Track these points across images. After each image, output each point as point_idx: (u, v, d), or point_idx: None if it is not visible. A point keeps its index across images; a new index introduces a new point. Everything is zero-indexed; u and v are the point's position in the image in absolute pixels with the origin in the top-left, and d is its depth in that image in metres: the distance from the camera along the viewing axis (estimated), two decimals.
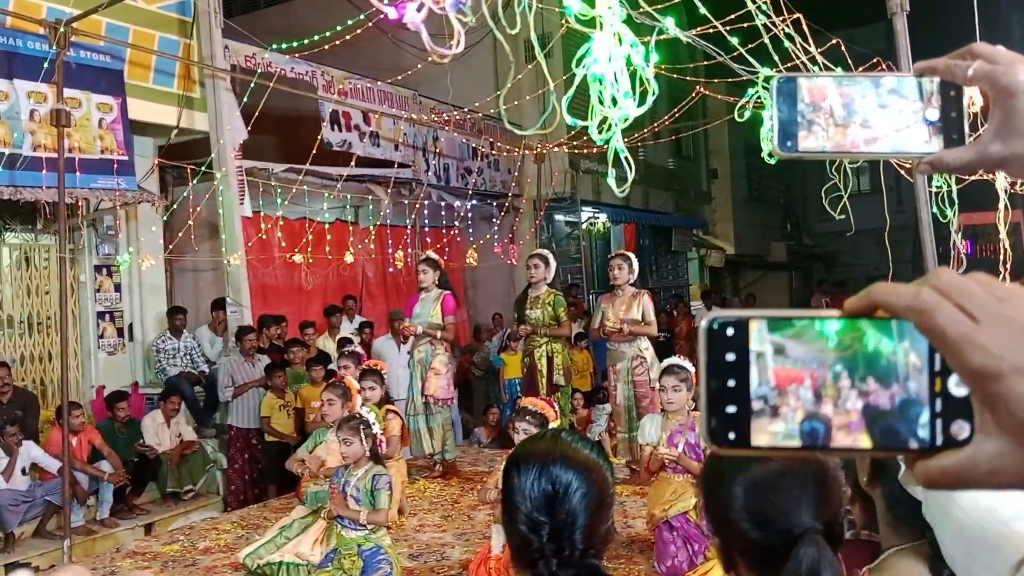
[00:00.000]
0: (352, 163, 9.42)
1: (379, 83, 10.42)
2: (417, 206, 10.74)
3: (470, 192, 11.60)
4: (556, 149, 11.39)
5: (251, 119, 8.26)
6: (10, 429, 6.26)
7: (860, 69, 7.35)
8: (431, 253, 7.65)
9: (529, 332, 7.28)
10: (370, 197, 10.46)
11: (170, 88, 8.20)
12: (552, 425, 5.00)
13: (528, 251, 12.07)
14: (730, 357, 0.52)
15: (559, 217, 14.12)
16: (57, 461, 6.21)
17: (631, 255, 7.15)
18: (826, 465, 1.29)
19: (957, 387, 0.50)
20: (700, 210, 19.86)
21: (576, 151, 11.45)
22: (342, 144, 9.79)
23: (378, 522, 4.27)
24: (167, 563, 5.39)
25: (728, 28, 5.36)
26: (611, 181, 2.93)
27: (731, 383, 0.52)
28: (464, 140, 11.80)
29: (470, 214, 11.65)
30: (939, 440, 0.50)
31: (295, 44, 8.33)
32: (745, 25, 5.65)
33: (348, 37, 7.60)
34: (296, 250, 9.22)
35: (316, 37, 8.01)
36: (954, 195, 6.09)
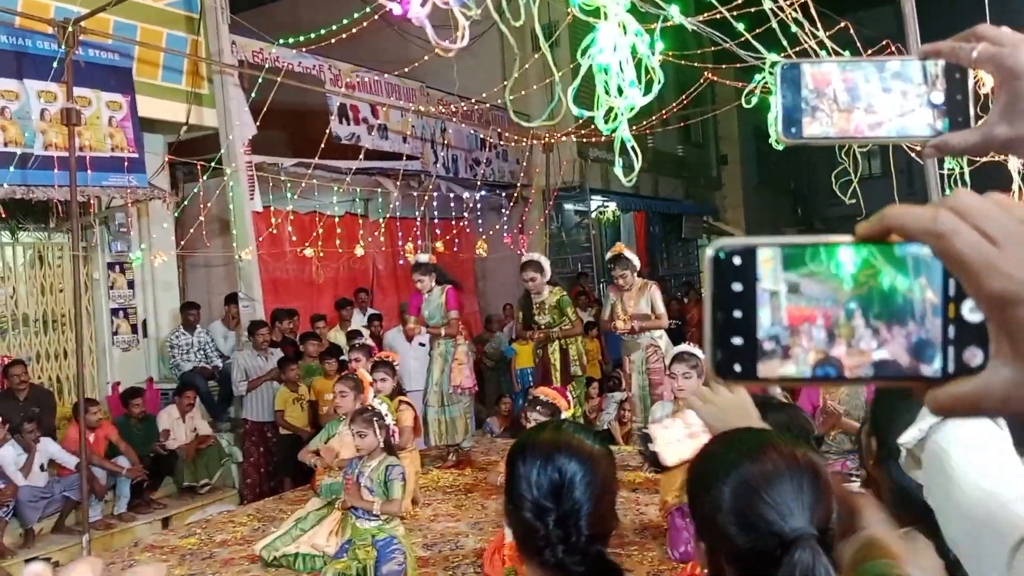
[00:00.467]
0: (361, 156, 9.44)
1: (386, 76, 10.42)
2: (426, 198, 10.75)
3: (479, 183, 11.60)
4: (564, 138, 11.37)
5: (260, 114, 8.29)
6: (28, 426, 6.33)
7: (869, 52, 7.30)
8: (420, 257, 7.60)
9: (542, 338, 7.30)
10: (379, 190, 10.48)
11: (179, 85, 8.23)
12: (564, 415, 5.02)
13: (538, 241, 12.14)
14: (737, 287, 0.51)
15: (568, 206, 14.11)
16: (74, 457, 6.28)
17: (628, 255, 7.06)
18: (819, 465, 1.20)
19: (971, 313, 0.48)
20: (710, 196, 19.79)
21: (584, 140, 11.42)
22: (350, 137, 9.81)
23: (392, 512, 4.30)
24: (185, 556, 5.44)
25: (735, 14, 5.32)
26: (618, 170, 2.93)
27: (737, 314, 0.51)
28: (472, 131, 11.80)
29: (479, 205, 11.65)
30: (951, 368, 0.49)
31: (302, 38, 8.34)
32: (753, 10, 5.62)
33: (354, 30, 7.60)
34: (307, 244, 9.26)
35: (323, 31, 8.02)
36: (966, 177, 6.03)
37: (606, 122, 2.64)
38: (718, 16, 5.41)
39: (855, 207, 6.07)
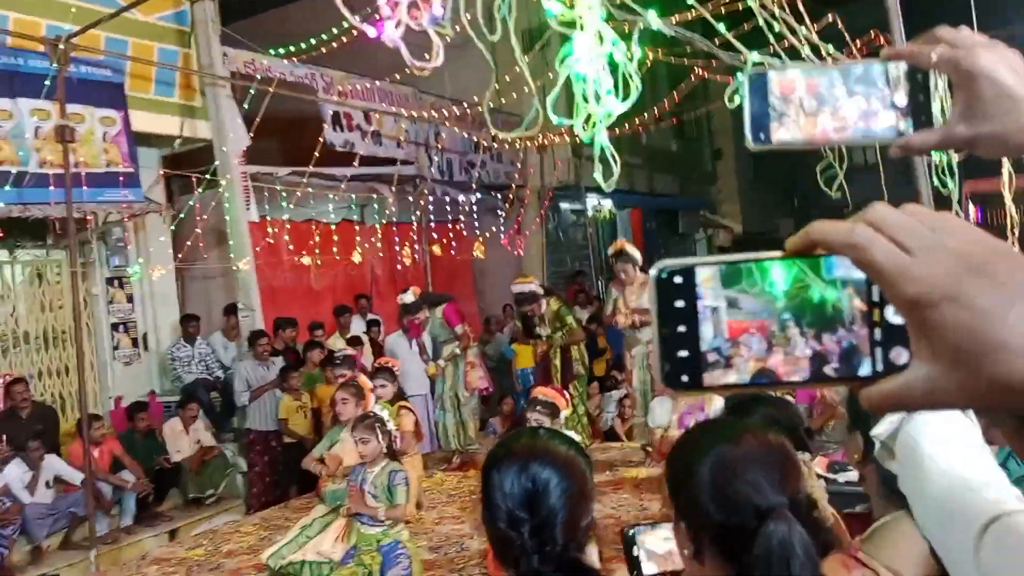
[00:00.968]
0: (355, 163, 9.47)
1: (378, 82, 10.45)
2: (422, 202, 10.78)
3: (474, 185, 11.63)
4: (557, 139, 11.39)
5: (253, 124, 8.32)
6: (32, 444, 6.36)
7: (857, 44, 7.32)
8: (405, 299, 7.74)
9: (547, 350, 7.37)
10: (375, 196, 10.51)
11: (171, 98, 8.26)
12: (564, 414, 5.05)
13: (535, 242, 12.17)
14: (679, 304, 0.54)
15: (564, 205, 14.13)
16: (80, 473, 6.31)
17: (631, 249, 7.13)
18: (788, 448, 1.29)
19: (894, 316, 0.52)
20: (706, 191, 19.80)
21: (578, 139, 11.42)
22: (345, 144, 9.83)
23: (396, 517, 4.34)
24: (192, 567, 5.48)
25: (719, 13, 5.34)
26: (597, 176, 2.96)
27: (681, 328, 0.54)
28: (466, 134, 11.83)
29: (475, 207, 11.68)
30: (880, 367, 0.52)
31: (293, 48, 8.36)
32: (740, 7, 5.63)
33: (344, 39, 7.63)
34: (304, 252, 9.29)
35: (313, 40, 8.04)
36: (954, 166, 6.06)
37: (584, 129, 2.67)
38: (695, 16, 5.41)
39: (846, 199, 6.10)
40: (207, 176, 8.30)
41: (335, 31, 7.77)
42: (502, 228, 11.59)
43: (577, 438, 2.66)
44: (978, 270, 0.48)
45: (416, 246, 10.89)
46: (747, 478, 1.23)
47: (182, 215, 8.49)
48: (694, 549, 1.28)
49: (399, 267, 10.88)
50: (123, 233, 8.27)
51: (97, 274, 8.30)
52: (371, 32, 2.48)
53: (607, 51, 2.37)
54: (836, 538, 1.73)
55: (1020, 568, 0.79)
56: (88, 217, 7.72)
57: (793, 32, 5.09)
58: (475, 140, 11.97)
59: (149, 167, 8.22)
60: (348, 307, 9.59)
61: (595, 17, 2.30)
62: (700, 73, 9.41)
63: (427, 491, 6.51)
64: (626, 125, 9.63)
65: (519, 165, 12.44)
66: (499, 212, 11.90)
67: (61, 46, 6.12)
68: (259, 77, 8.44)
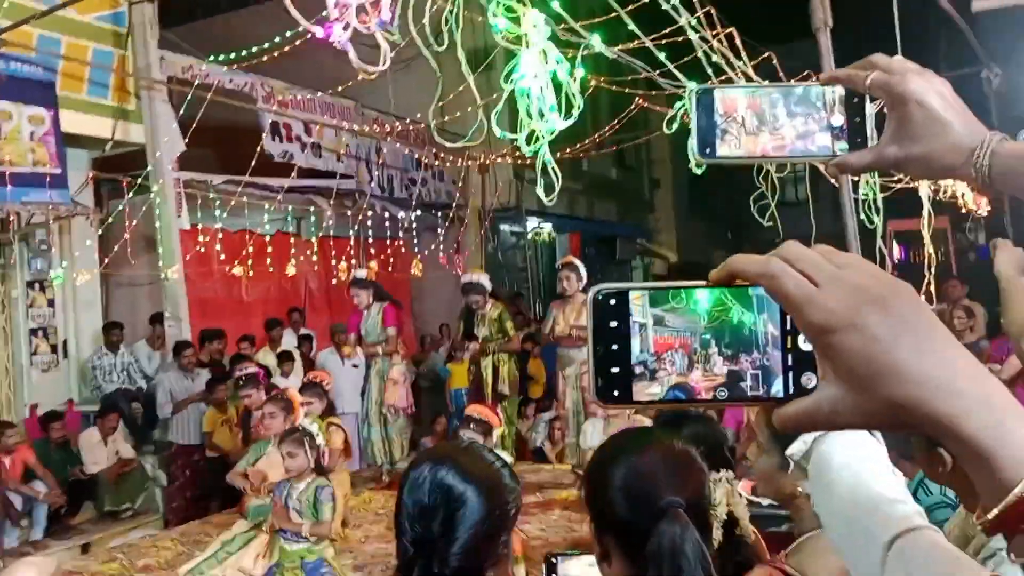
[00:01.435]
0: (293, 174, 9.35)
1: (320, 94, 10.35)
2: (361, 217, 10.69)
3: (414, 203, 11.59)
4: (500, 160, 11.45)
5: (189, 130, 8.15)
6: None
7: (792, 81, 7.57)
8: (358, 273, 7.67)
9: (479, 351, 7.36)
10: (312, 208, 10.39)
11: (105, 100, 8.06)
12: (496, 432, 5.04)
13: (474, 262, 12.17)
14: (613, 324, 0.58)
15: (504, 227, 14.19)
16: None
17: (579, 263, 7.25)
18: (693, 456, 1.36)
19: (804, 343, 0.57)
20: (644, 219, 20.14)
21: (520, 161, 11.53)
22: (283, 155, 9.71)
23: (321, 534, 4.25)
24: None
25: (660, 43, 5.48)
26: (540, 191, 3.01)
27: (614, 347, 0.58)
28: (407, 151, 11.80)
29: (415, 225, 11.62)
30: (791, 390, 0.57)
31: (233, 56, 8.24)
32: (680, 39, 5.79)
33: (287, 49, 7.55)
34: (236, 263, 9.10)
35: (255, 48, 7.94)
36: (879, 202, 6.32)
37: (528, 144, 2.72)
38: (645, 45, 5.55)
39: (778, 231, 6.29)
40: (139, 181, 8.09)
41: (278, 40, 7.69)
42: (441, 247, 11.57)
43: (509, 459, 2.65)
44: (875, 302, 0.53)
45: (353, 261, 10.78)
46: (649, 478, 1.29)
47: (111, 219, 8.25)
48: (602, 551, 1.33)
49: (334, 282, 10.74)
50: (47, 235, 7.98)
51: (17, 276, 7.99)
52: (319, 32, 2.48)
53: (551, 68, 2.41)
54: (756, 555, 1.76)
55: None
56: (10, 217, 7.46)
57: (731, 66, 5.24)
58: (417, 158, 11.95)
59: (78, 169, 7.98)
60: (280, 321, 9.42)
61: (541, 36, 2.34)
62: (640, 103, 9.60)
63: (354, 509, 6.41)
64: (568, 150, 9.76)
65: (460, 184, 12.46)
66: (439, 231, 11.88)
67: None
68: (196, 83, 8.28)
